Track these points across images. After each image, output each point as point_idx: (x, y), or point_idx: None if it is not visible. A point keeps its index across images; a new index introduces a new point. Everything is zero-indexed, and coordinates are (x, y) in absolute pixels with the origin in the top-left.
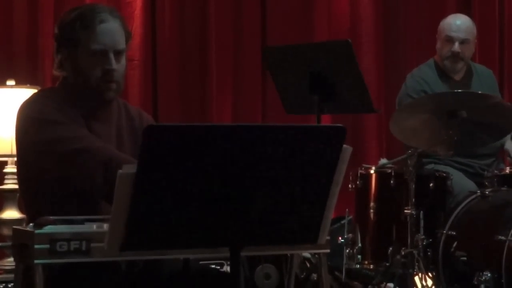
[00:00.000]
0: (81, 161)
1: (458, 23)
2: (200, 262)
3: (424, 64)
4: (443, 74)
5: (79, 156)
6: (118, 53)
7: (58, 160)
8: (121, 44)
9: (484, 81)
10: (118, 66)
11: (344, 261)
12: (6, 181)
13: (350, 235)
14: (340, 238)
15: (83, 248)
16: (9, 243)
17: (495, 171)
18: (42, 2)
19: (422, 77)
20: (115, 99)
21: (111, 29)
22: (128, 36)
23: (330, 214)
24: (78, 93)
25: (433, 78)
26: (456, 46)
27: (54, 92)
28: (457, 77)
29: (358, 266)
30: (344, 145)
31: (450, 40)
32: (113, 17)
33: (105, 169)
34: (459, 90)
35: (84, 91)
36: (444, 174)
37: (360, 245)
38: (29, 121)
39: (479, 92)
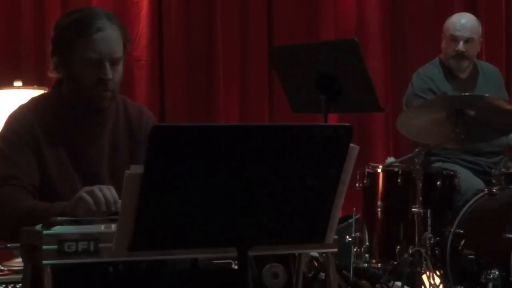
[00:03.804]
0: None
1: (462, 22)
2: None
3: (430, 63)
4: (449, 72)
5: None
6: (114, 62)
7: None
8: (118, 52)
9: (490, 78)
10: (114, 75)
11: (352, 260)
12: None
13: (358, 234)
14: (347, 237)
15: (91, 248)
16: (17, 244)
17: (503, 169)
18: (49, 4)
19: (428, 75)
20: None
21: (107, 37)
22: (127, 42)
23: (338, 213)
24: (71, 99)
25: (439, 76)
26: (461, 45)
27: (45, 100)
28: (463, 75)
29: (366, 264)
30: (351, 144)
31: (454, 39)
32: (111, 23)
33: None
34: (467, 94)
35: (77, 98)
36: (452, 172)
37: (367, 243)
38: None
39: (486, 94)
